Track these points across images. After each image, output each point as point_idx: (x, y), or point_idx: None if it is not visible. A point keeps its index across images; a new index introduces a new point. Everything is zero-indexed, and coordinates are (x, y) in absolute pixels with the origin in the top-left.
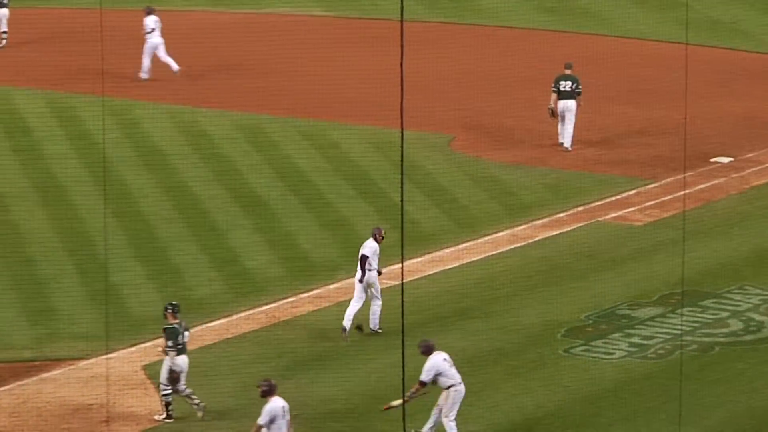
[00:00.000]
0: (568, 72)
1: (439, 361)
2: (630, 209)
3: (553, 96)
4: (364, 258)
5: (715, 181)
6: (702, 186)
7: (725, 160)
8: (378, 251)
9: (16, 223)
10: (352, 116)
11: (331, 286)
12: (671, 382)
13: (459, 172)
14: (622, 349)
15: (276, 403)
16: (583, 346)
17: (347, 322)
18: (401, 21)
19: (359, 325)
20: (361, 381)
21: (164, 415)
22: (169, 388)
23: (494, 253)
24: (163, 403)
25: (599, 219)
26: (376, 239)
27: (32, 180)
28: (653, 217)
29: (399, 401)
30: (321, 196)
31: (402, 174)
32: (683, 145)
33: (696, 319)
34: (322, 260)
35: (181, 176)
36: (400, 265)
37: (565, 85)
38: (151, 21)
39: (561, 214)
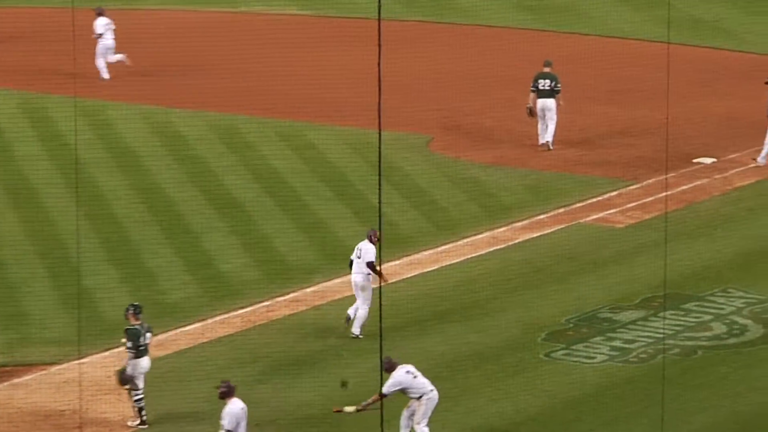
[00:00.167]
0: (547, 70)
1: (402, 375)
2: (611, 211)
3: (532, 95)
4: (372, 264)
5: (698, 182)
6: (684, 187)
7: (708, 160)
8: (375, 253)
9: None
10: (329, 117)
11: (308, 290)
12: (653, 386)
13: (438, 174)
14: (603, 353)
15: (236, 405)
16: (564, 350)
17: (356, 330)
18: (378, 20)
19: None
20: (338, 386)
21: (138, 421)
22: (140, 390)
23: (473, 255)
24: (136, 408)
25: (580, 221)
26: (371, 241)
27: (3, 182)
28: (635, 218)
29: (353, 408)
30: (297, 198)
31: (380, 175)
32: (665, 145)
33: (678, 322)
34: (299, 263)
35: (154, 178)
36: (377, 267)
37: (544, 84)
38: (101, 23)
39: (541, 216)
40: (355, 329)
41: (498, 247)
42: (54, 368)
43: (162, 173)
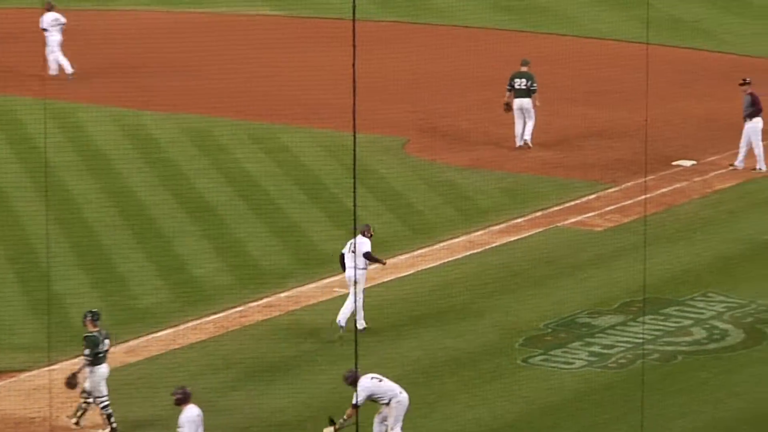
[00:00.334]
0: (524, 69)
1: (367, 382)
2: (590, 214)
3: (508, 94)
4: (369, 254)
5: (677, 185)
6: (664, 190)
7: (687, 163)
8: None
9: None
10: (303, 119)
11: (282, 295)
12: (633, 392)
13: (413, 176)
14: (582, 359)
15: (192, 411)
16: (542, 356)
17: (360, 323)
18: (353, 20)
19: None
20: (313, 392)
21: (108, 429)
22: (105, 397)
23: (450, 259)
24: (104, 415)
25: (558, 224)
26: (365, 236)
27: None
28: (614, 222)
29: (331, 429)
30: (271, 202)
31: (354, 178)
32: (644, 147)
33: (658, 327)
34: (273, 268)
35: (125, 181)
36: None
37: (520, 83)
38: (48, 19)
39: (519, 220)
40: (360, 324)
41: (475, 251)
42: (23, 375)
43: (133, 176)
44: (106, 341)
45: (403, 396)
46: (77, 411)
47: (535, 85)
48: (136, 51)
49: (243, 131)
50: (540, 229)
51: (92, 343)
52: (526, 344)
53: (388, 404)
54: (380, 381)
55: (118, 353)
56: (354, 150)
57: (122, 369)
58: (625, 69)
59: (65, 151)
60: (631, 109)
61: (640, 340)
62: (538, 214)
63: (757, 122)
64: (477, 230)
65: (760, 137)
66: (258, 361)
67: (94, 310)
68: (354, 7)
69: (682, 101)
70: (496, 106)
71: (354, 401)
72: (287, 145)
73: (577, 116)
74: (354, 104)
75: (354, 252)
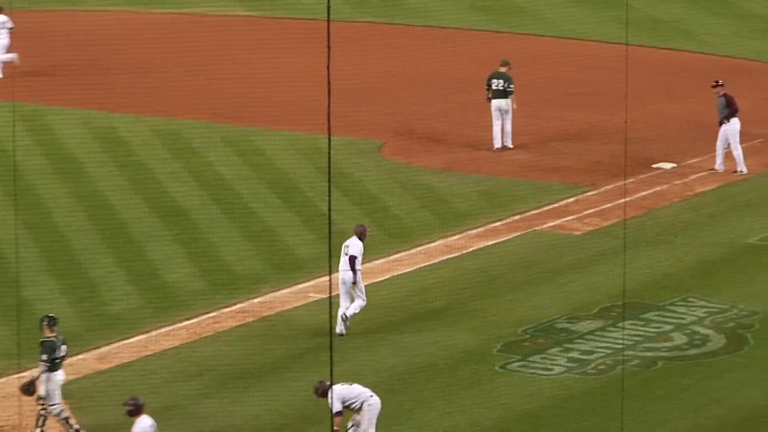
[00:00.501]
0: (502, 70)
1: (338, 389)
2: (568, 218)
3: (486, 93)
4: (353, 258)
5: (658, 188)
6: (644, 193)
7: (668, 166)
8: (363, 250)
9: None
10: (277, 121)
11: (255, 300)
12: (612, 399)
13: (389, 180)
14: (560, 365)
15: (145, 422)
16: (521, 362)
17: (339, 328)
18: (328, 21)
19: None
20: (287, 399)
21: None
22: (57, 403)
23: (426, 264)
24: (61, 420)
25: (536, 228)
26: (360, 238)
27: None
28: (593, 225)
29: None
30: (244, 206)
31: (329, 182)
32: (624, 150)
33: (638, 332)
34: (246, 273)
35: (96, 185)
36: (327, 278)
37: (497, 84)
38: None
39: (496, 223)
40: (339, 329)
41: (451, 255)
42: None
43: (104, 180)
44: (63, 347)
45: (375, 399)
46: (38, 420)
47: (512, 86)
48: (106, 52)
49: (216, 134)
50: (518, 233)
51: (49, 348)
52: (504, 350)
53: (360, 409)
54: (350, 385)
55: (89, 360)
56: (329, 153)
57: (93, 376)
58: (604, 70)
59: (34, 155)
60: (611, 111)
61: (620, 346)
62: (516, 217)
63: (734, 123)
64: (454, 234)
65: (738, 139)
66: (232, 368)
67: (51, 315)
68: (329, 7)
69: (662, 103)
70: (474, 108)
71: (334, 410)
72: (261, 147)
73: (555, 118)
74: (329, 106)
75: (347, 254)
